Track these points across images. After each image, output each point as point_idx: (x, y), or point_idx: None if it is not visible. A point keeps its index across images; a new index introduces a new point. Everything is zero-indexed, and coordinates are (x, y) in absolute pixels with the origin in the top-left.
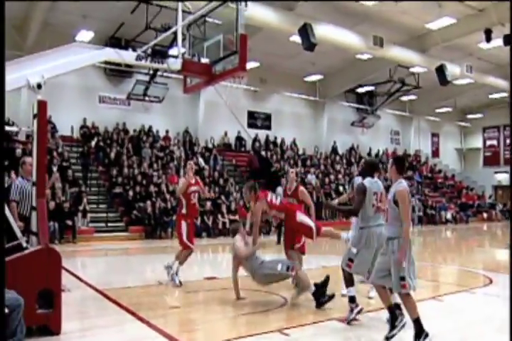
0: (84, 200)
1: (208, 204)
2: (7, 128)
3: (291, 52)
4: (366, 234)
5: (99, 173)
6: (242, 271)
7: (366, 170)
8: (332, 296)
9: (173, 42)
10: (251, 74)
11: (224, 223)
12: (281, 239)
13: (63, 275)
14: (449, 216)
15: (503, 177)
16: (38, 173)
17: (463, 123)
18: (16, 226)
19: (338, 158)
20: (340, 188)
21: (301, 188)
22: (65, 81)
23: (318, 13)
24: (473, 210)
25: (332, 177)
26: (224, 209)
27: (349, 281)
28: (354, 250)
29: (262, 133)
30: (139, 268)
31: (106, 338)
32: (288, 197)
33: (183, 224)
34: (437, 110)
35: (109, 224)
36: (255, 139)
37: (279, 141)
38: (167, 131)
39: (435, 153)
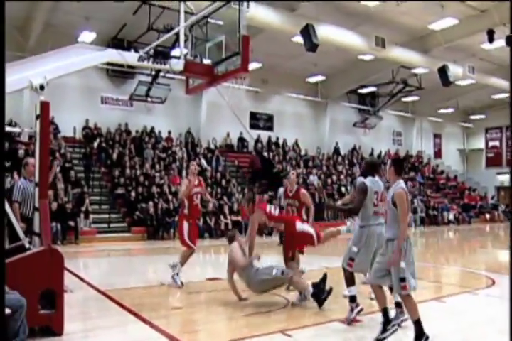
0: (87, 201)
1: (210, 205)
2: (10, 129)
3: (293, 53)
4: (367, 233)
5: (101, 174)
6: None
7: (367, 170)
8: (330, 290)
9: (175, 43)
10: (253, 75)
11: (226, 224)
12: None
13: (66, 276)
14: (451, 217)
15: (505, 178)
16: (40, 174)
17: (465, 124)
18: (19, 227)
19: (340, 158)
20: (343, 189)
21: (303, 190)
22: (67, 82)
23: (321, 14)
24: (475, 211)
25: (334, 178)
26: (226, 210)
27: (350, 281)
28: (355, 249)
29: (264, 134)
30: (141, 269)
31: (108, 339)
32: (289, 198)
33: (185, 224)
34: (439, 111)
35: (112, 225)
36: (257, 140)
37: (281, 141)
38: (169, 132)
39: (437, 154)
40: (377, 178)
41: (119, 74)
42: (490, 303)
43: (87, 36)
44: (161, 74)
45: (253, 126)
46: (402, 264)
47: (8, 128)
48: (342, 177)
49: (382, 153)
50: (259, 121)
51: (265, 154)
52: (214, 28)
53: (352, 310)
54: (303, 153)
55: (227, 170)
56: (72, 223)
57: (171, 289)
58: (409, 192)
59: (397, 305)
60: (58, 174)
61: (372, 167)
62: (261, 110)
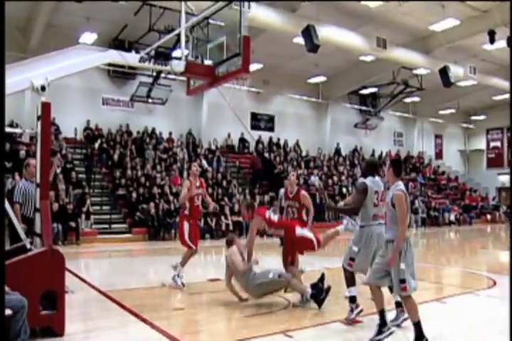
0: (88, 202)
1: (211, 208)
2: (11, 130)
3: (294, 54)
4: (367, 233)
5: (102, 175)
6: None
7: (367, 170)
8: (328, 289)
9: (176, 44)
10: (254, 76)
11: (227, 225)
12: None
13: (67, 276)
14: (452, 218)
15: (506, 179)
16: (41, 175)
17: (466, 125)
18: (20, 227)
19: (341, 159)
20: (344, 190)
21: (303, 192)
22: (68, 83)
23: (322, 15)
24: (476, 212)
25: (335, 178)
26: (227, 210)
27: (350, 281)
28: (355, 248)
29: (265, 135)
30: (143, 270)
31: (109, 339)
32: (289, 200)
33: (186, 225)
34: (441, 112)
35: (113, 226)
36: (258, 141)
37: (282, 142)
38: (170, 133)
39: (438, 155)
40: (377, 178)
41: (120, 75)
42: (491, 304)
43: (89, 37)
44: (162, 75)
45: (254, 127)
46: (402, 266)
47: (9, 129)
48: (343, 178)
49: (383, 154)
50: (260, 121)
51: (266, 155)
52: (215, 28)
53: (352, 310)
54: (304, 153)
55: (228, 170)
56: (73, 224)
57: (172, 290)
58: (411, 193)
59: (398, 304)
60: (60, 175)
61: (372, 167)
62: (262, 111)
